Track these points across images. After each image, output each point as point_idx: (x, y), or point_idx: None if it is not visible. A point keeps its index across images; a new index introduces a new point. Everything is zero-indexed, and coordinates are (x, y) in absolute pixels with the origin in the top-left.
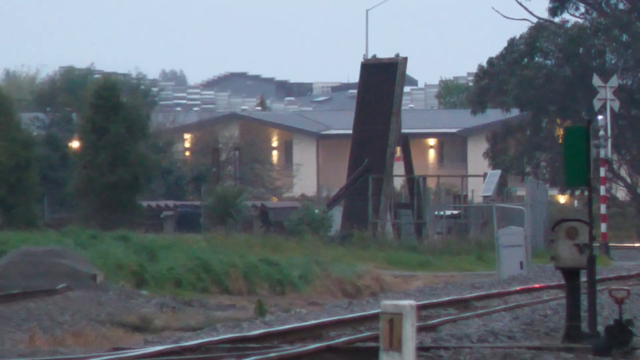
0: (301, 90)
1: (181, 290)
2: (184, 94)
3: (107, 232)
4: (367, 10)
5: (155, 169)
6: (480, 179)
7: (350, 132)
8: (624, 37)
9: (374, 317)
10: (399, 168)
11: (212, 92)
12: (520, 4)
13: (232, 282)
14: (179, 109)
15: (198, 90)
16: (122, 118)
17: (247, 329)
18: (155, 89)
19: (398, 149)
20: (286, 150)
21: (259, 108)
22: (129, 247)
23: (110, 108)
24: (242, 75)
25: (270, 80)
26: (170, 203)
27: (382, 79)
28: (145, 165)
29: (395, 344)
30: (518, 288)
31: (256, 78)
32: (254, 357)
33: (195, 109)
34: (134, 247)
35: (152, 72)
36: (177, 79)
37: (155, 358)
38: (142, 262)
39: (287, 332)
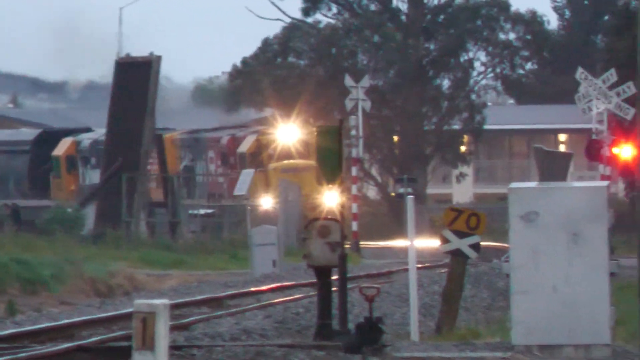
0: (55, 88)
1: None
2: None
3: None
4: (120, 9)
5: None
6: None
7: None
8: (376, 38)
9: (127, 317)
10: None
11: None
12: (274, 4)
13: None
14: None
15: None
16: None
17: None
18: None
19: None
20: None
21: (11, 105)
22: None
23: None
24: None
25: (22, 78)
26: None
27: (136, 77)
28: None
29: (148, 343)
30: (271, 286)
31: (7, 75)
32: (2, 358)
33: None
34: None
35: None
36: None
37: None
38: None
39: (38, 332)
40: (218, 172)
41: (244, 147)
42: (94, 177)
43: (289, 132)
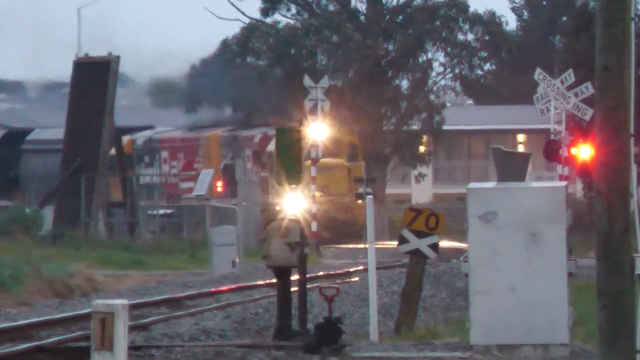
0: (14, 87)
1: None
2: None
3: None
4: (79, 9)
5: None
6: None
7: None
8: (335, 38)
9: (86, 317)
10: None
11: None
12: (232, 4)
13: None
14: None
15: None
16: None
17: None
18: None
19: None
20: None
21: None
22: None
23: None
24: None
25: None
26: None
27: (94, 77)
28: None
29: (107, 343)
30: (230, 287)
31: None
32: None
33: None
34: None
35: None
36: None
37: None
38: None
39: None
40: (253, 170)
41: (273, 145)
42: (146, 176)
43: (318, 131)
